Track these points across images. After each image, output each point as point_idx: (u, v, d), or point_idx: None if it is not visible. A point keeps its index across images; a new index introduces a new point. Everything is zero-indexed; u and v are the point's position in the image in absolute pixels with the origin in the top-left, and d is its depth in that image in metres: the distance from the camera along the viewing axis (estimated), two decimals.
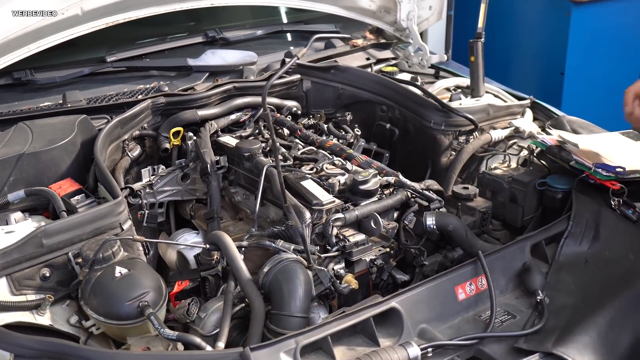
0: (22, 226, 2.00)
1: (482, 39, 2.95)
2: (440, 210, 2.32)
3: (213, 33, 3.06)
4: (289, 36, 3.34)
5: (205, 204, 2.64)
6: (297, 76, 2.87)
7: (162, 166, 2.49)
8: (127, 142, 2.44)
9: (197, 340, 1.70)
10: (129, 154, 2.44)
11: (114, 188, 2.06)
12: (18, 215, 2.06)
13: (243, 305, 1.94)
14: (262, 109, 2.69)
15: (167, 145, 2.50)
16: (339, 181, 2.28)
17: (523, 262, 2.06)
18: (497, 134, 2.77)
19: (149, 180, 2.45)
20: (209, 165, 2.42)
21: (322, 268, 2.02)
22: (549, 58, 5.02)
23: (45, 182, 2.19)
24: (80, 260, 1.90)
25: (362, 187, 2.25)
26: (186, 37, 3.02)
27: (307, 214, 2.10)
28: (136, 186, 2.38)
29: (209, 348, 1.70)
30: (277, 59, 3.01)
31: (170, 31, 3.09)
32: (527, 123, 2.87)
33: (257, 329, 1.82)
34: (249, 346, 1.61)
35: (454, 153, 2.76)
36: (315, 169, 2.36)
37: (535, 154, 2.65)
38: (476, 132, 2.75)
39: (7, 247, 1.82)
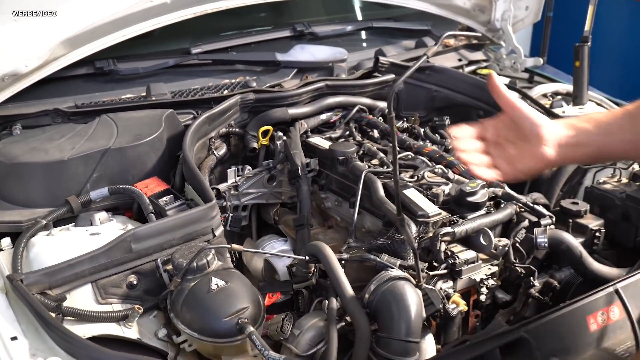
0: (108, 228, 1.87)
1: (589, 43, 2.74)
2: (551, 227, 2.13)
3: (301, 27, 2.88)
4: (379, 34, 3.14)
5: (290, 209, 2.47)
6: (392, 76, 2.69)
7: (248, 167, 2.33)
8: (213, 139, 2.28)
9: None
10: (215, 153, 2.28)
11: (206, 190, 1.90)
12: (103, 215, 1.91)
13: (343, 324, 1.77)
14: (354, 109, 2.53)
15: (255, 145, 2.33)
16: (443, 191, 2.10)
17: None
18: None
19: (235, 182, 2.29)
20: (299, 168, 2.25)
21: (433, 287, 1.84)
22: None
23: (130, 180, 2.05)
24: (169, 267, 1.76)
25: (470, 199, 2.06)
26: (273, 31, 2.85)
27: (413, 227, 1.92)
28: (221, 187, 2.23)
29: None
30: (368, 57, 2.84)
31: (255, 23, 2.92)
32: None
33: (362, 352, 1.65)
34: None
35: None
36: (416, 177, 2.18)
37: None
38: None
39: (94, 250, 1.68)
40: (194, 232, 1.81)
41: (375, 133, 2.55)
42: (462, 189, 2.06)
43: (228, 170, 2.29)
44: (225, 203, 2.22)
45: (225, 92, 2.47)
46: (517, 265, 2.07)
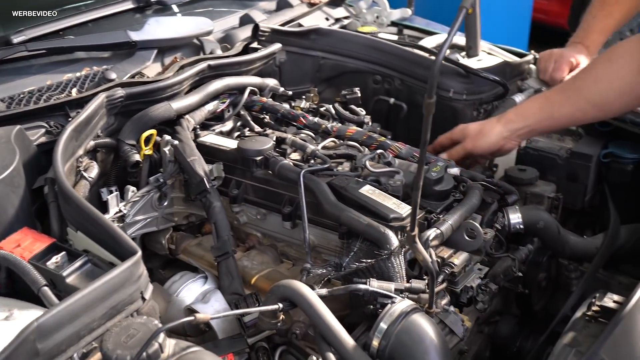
0: None
1: None
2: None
3: None
4: None
5: (185, 231, 1.92)
6: (278, 45, 2.18)
7: (132, 188, 1.73)
8: (80, 159, 1.66)
9: None
10: (86, 176, 1.65)
11: (118, 237, 1.31)
12: None
13: None
14: (246, 92, 2.01)
15: (138, 157, 1.73)
16: (402, 182, 1.68)
17: None
18: (519, 99, 2.27)
19: (119, 210, 1.69)
20: (205, 179, 1.70)
21: (451, 312, 1.43)
22: None
23: None
24: None
25: (438, 187, 1.67)
26: (108, 4, 2.17)
27: (393, 237, 1.48)
28: None
29: None
30: (232, 26, 2.31)
31: None
32: (537, 83, 2.40)
33: None
34: None
35: None
36: (359, 169, 1.73)
37: None
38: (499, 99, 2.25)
39: None
40: (119, 303, 1.23)
41: (267, 118, 2.06)
42: (426, 177, 1.65)
43: (108, 197, 1.68)
44: None
45: (74, 91, 1.83)
46: (496, 255, 1.74)
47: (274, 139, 1.85)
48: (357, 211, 1.56)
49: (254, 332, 1.48)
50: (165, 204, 1.81)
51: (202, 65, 1.92)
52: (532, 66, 2.47)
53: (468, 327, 1.53)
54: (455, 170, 1.77)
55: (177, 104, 1.82)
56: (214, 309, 1.60)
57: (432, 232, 1.52)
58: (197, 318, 1.19)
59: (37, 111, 1.68)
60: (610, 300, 1.45)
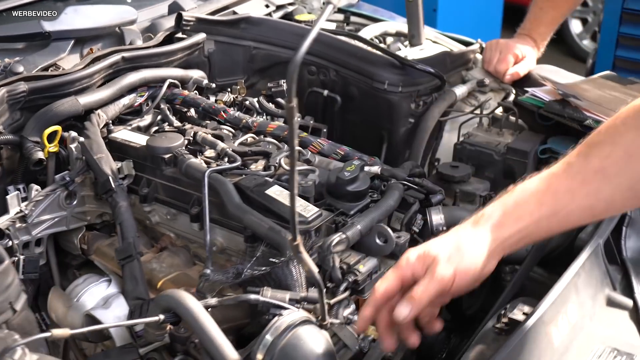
0: None
1: None
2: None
3: None
4: None
5: (100, 229, 1.85)
6: (202, 35, 2.09)
7: (36, 186, 1.66)
8: None
9: None
10: None
11: None
12: None
13: None
14: (165, 85, 1.93)
15: (41, 155, 1.66)
16: (315, 182, 1.60)
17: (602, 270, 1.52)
18: (460, 91, 2.19)
19: (20, 210, 1.62)
20: (111, 178, 1.63)
21: (345, 324, 1.36)
22: None
23: None
24: None
25: (351, 187, 1.59)
26: None
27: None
28: (2, 222, 1.56)
29: None
30: (161, 14, 2.22)
31: None
32: (482, 73, 2.32)
33: None
34: None
35: (412, 121, 2.15)
36: (273, 167, 1.66)
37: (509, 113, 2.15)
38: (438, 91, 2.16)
39: None
40: None
41: (193, 112, 1.99)
42: (339, 177, 1.58)
43: (7, 196, 1.61)
44: (10, 242, 1.57)
45: None
46: None
47: (192, 134, 1.78)
48: (264, 214, 1.49)
49: (146, 342, 1.41)
50: (75, 202, 1.74)
51: (116, 57, 1.84)
52: (479, 55, 2.39)
53: (374, 337, 1.46)
54: (375, 169, 1.69)
55: (86, 99, 1.74)
56: (114, 314, 1.53)
57: (336, 237, 1.44)
58: (54, 334, 1.11)
59: None
60: (519, 312, 1.38)
